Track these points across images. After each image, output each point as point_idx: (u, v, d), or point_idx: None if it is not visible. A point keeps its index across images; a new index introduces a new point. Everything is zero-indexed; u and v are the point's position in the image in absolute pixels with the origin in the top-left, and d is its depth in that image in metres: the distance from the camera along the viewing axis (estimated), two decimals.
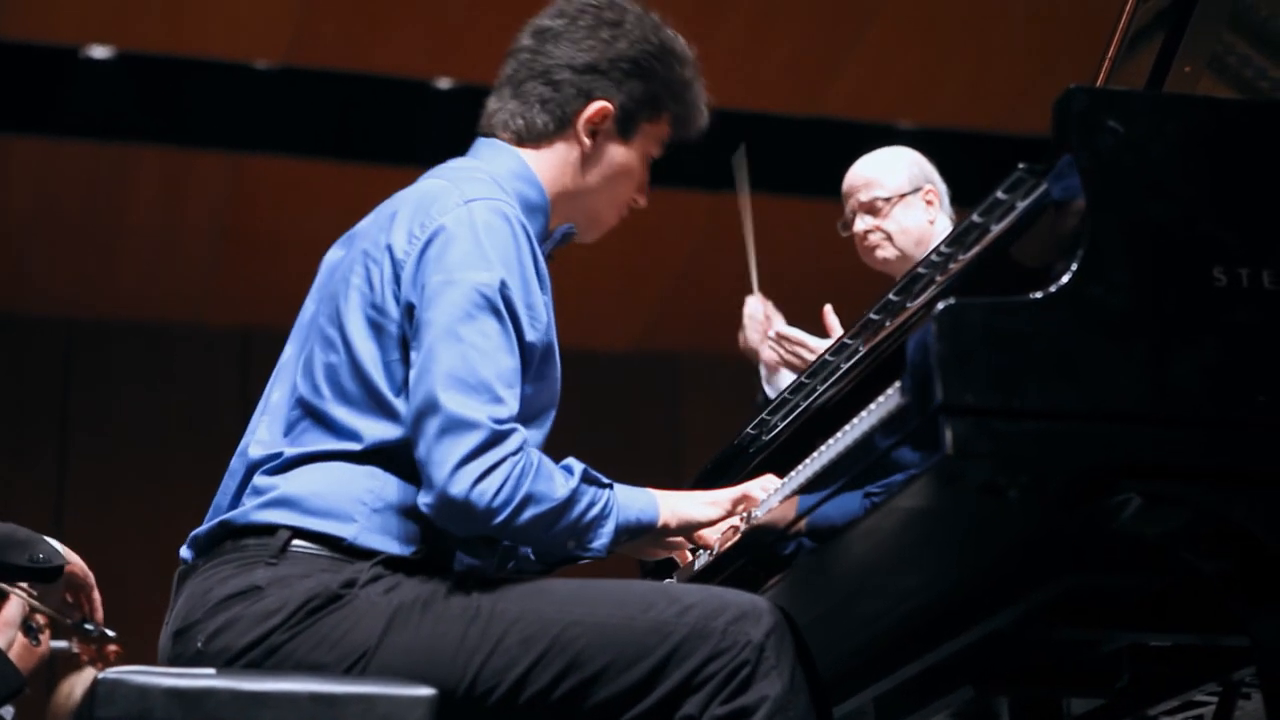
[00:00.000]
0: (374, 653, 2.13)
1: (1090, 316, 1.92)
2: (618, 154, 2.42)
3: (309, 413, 2.27)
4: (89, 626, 2.92)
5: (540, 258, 2.31)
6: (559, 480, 2.20)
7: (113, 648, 3.92)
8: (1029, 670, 2.41)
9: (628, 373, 8.48)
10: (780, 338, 3.75)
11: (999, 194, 2.12)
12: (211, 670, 2.12)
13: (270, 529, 2.19)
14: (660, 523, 2.30)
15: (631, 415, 8.30)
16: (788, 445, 2.64)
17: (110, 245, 7.81)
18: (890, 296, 2.38)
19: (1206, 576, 2.01)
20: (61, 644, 3.99)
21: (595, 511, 2.23)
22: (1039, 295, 1.92)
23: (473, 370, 2.17)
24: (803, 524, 2.16)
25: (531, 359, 2.26)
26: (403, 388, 2.22)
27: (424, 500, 2.17)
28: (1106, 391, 1.90)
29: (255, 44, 7.12)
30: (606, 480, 2.27)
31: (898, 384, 1.98)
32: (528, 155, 2.40)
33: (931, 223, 3.77)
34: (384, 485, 2.22)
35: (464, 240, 2.23)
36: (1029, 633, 2.30)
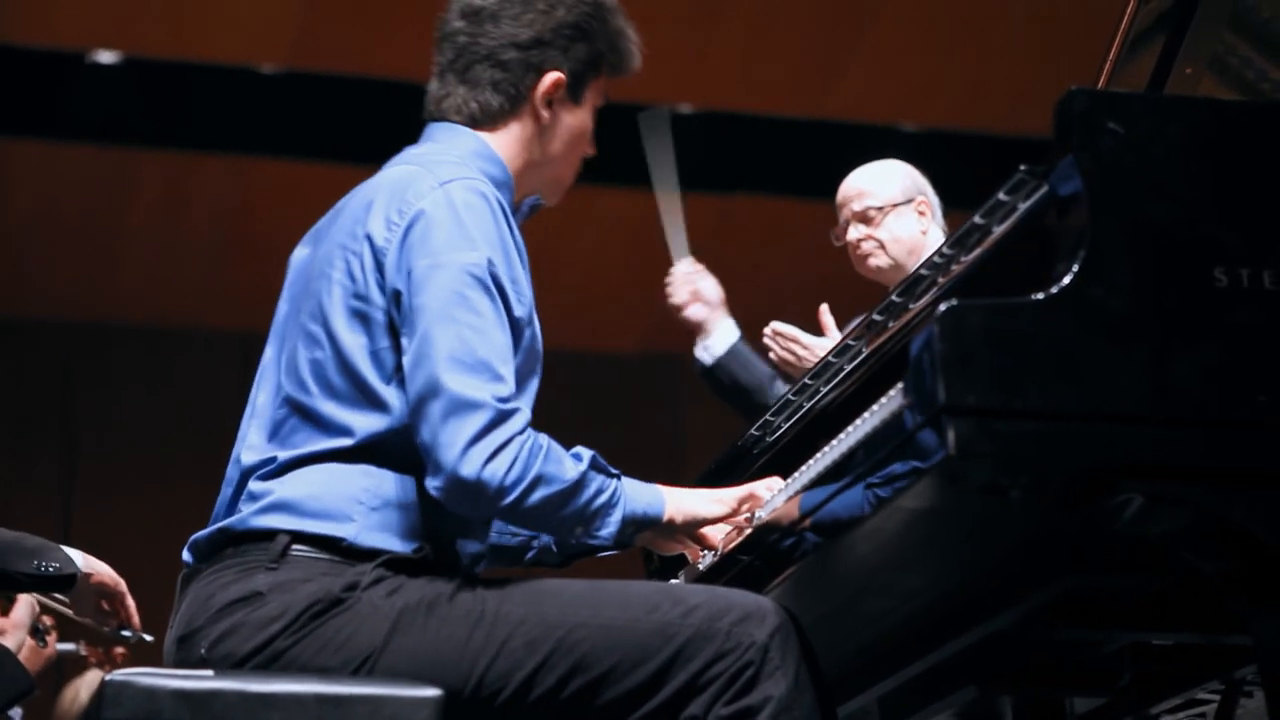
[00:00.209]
0: (379, 656, 2.13)
1: (1091, 317, 1.93)
2: (573, 118, 2.42)
3: (297, 410, 2.26)
4: (127, 633, 2.93)
5: (516, 232, 2.31)
6: (569, 464, 2.20)
7: (120, 650, 3.93)
8: (1032, 670, 2.42)
9: (630, 374, 8.48)
10: (775, 334, 3.79)
11: (1001, 195, 2.12)
12: (218, 672, 2.13)
13: (269, 534, 2.19)
14: (666, 517, 2.31)
15: (634, 416, 8.30)
16: (791, 446, 2.64)
17: (113, 248, 7.82)
18: (893, 298, 2.39)
19: (1208, 576, 2.01)
20: (69, 646, 4.00)
21: (603, 499, 2.23)
22: (1040, 296, 1.92)
23: (471, 350, 2.17)
24: (807, 523, 2.17)
25: (520, 334, 2.26)
26: (393, 376, 2.22)
27: (433, 484, 2.16)
28: (1107, 392, 1.91)
29: (258, 47, 7.12)
30: (615, 470, 2.27)
31: (900, 385, 1.99)
32: (485, 136, 2.40)
33: (924, 233, 3.85)
34: (379, 482, 2.21)
35: (445, 222, 2.23)
36: (1032, 632, 2.31)
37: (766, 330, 3.83)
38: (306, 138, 7.35)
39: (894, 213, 3.85)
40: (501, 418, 2.15)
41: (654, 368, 8.53)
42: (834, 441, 2.21)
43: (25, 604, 3.45)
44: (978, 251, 2.18)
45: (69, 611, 3.08)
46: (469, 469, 2.13)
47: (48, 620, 3.50)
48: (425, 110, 2.46)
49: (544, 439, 2.19)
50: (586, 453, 2.24)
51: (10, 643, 3.34)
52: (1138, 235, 1.97)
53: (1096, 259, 1.94)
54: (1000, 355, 1.89)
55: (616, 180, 7.71)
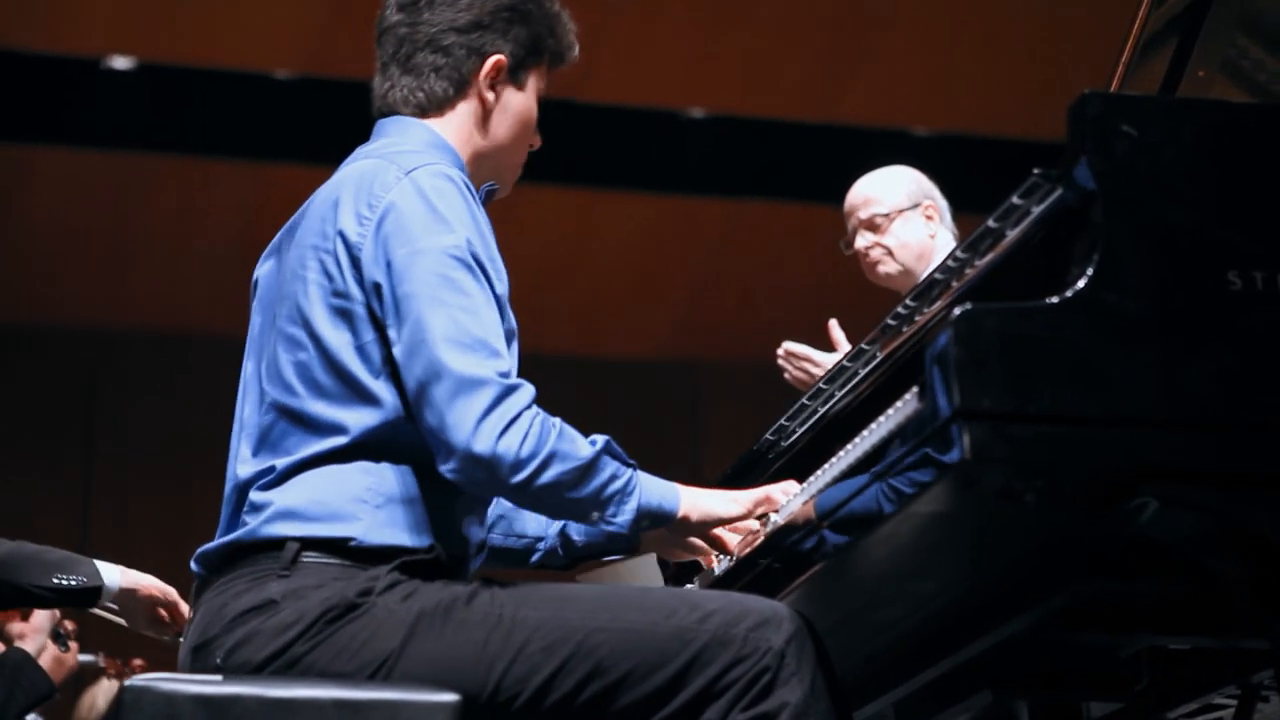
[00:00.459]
0: (396, 661, 2.13)
1: (1106, 321, 1.93)
2: (517, 101, 2.43)
3: (285, 414, 2.25)
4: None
5: (484, 213, 2.32)
6: (582, 444, 2.20)
7: (138, 661, 3.94)
8: (1048, 674, 2.42)
9: (647, 380, 8.49)
10: (789, 354, 3.81)
11: (1014, 199, 2.12)
12: (236, 677, 2.14)
13: (278, 542, 2.19)
14: (681, 513, 2.31)
15: (650, 423, 8.31)
16: (807, 451, 2.65)
17: (130, 254, 7.85)
18: (907, 302, 2.39)
19: (1224, 580, 2.01)
20: (89, 657, 4.01)
21: (618, 485, 2.22)
22: (1054, 300, 1.93)
23: (466, 330, 2.17)
24: (824, 526, 2.17)
25: (504, 312, 2.26)
26: (381, 370, 2.21)
27: (446, 467, 2.16)
28: (1122, 396, 1.91)
29: (275, 54, 7.15)
30: (631, 461, 2.27)
31: (915, 389, 1.99)
32: (434, 124, 2.41)
33: (932, 237, 3.86)
34: (380, 479, 2.21)
35: (418, 210, 2.23)
36: (1047, 637, 2.31)
37: (780, 351, 3.85)
38: (323, 144, 7.36)
39: (901, 219, 3.86)
40: (507, 392, 2.15)
41: (671, 374, 8.54)
42: (849, 446, 2.21)
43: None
44: (991, 256, 2.19)
45: (124, 622, 3.08)
46: (482, 445, 2.13)
47: (69, 625, 3.51)
48: (373, 108, 2.47)
49: (556, 419, 2.19)
50: (601, 438, 2.23)
51: (30, 647, 3.36)
52: (1151, 238, 1.97)
53: (1110, 262, 1.95)
54: (1015, 359, 1.90)
55: (631, 185, 7.75)
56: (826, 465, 2.28)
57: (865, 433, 2.16)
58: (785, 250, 7.77)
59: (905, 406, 2.03)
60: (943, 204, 3.92)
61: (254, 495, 2.23)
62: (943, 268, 2.31)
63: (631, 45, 7.07)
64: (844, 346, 3.80)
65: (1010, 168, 2.47)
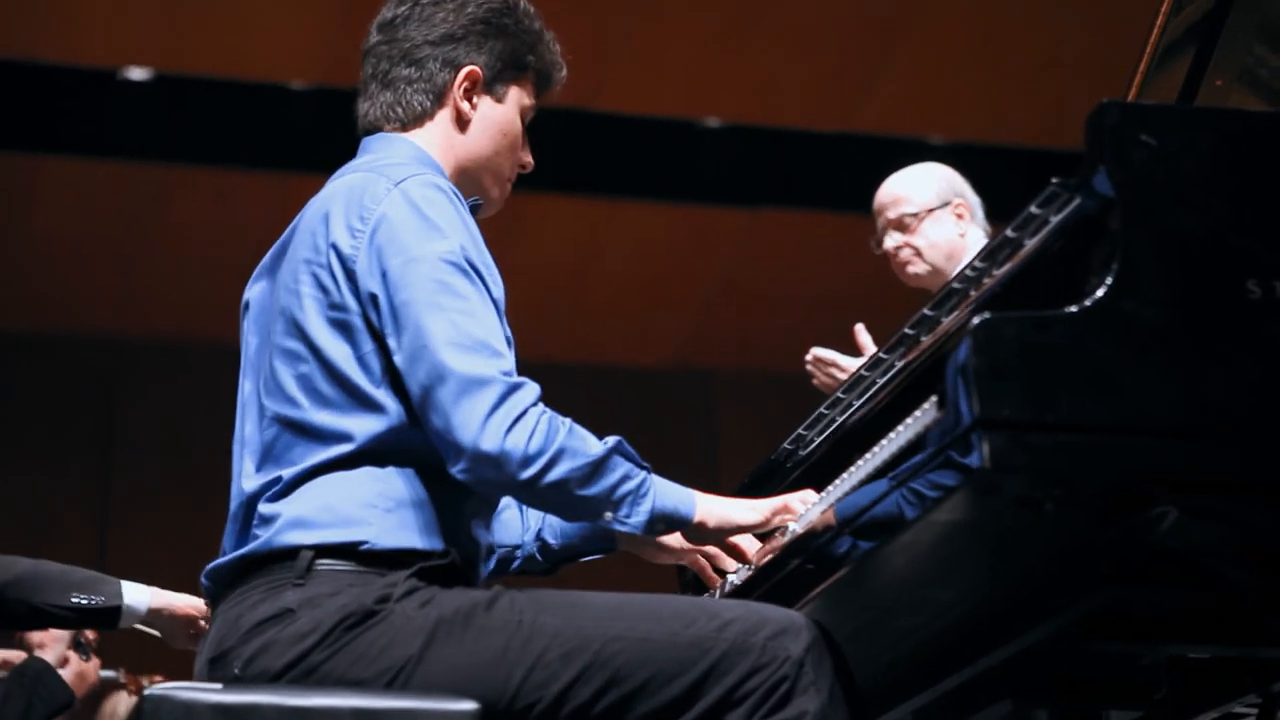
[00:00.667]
0: (414, 668, 2.13)
1: (1124, 330, 1.93)
2: (495, 113, 2.45)
3: (288, 426, 2.25)
4: None
5: (475, 222, 2.33)
6: (592, 442, 2.21)
7: (158, 677, 3.94)
8: (1067, 683, 2.42)
9: (661, 390, 8.49)
10: (816, 360, 3.78)
11: (1033, 209, 2.12)
12: (254, 685, 2.14)
13: (292, 551, 2.19)
14: (698, 519, 2.31)
15: (667, 431, 8.31)
16: (825, 460, 2.65)
17: (148, 265, 7.87)
18: (925, 311, 2.39)
19: (1244, 589, 2.01)
20: (110, 673, 4.02)
21: (631, 485, 2.22)
22: (1073, 309, 1.93)
23: (467, 333, 2.18)
24: (843, 535, 2.17)
25: (501, 315, 2.27)
26: (382, 379, 2.22)
27: (456, 467, 2.17)
28: (1141, 404, 1.91)
29: (293, 64, 7.17)
30: (645, 463, 2.27)
31: (934, 398, 1.99)
32: (415, 137, 2.43)
33: (963, 235, 3.79)
34: (387, 484, 2.21)
35: (410, 219, 2.25)
36: (1067, 645, 2.30)
37: (807, 356, 3.82)
38: (342, 154, 7.38)
39: (930, 218, 3.80)
40: (512, 389, 2.16)
41: (686, 384, 8.55)
42: (868, 455, 2.22)
43: None
44: (1009, 265, 2.19)
45: (162, 637, 3.09)
46: (490, 442, 2.14)
47: (90, 635, 3.52)
48: (358, 127, 2.49)
49: (565, 418, 2.20)
50: (613, 438, 2.24)
51: (50, 656, 3.36)
52: (1170, 247, 1.97)
53: (1129, 271, 1.95)
54: (1034, 368, 1.90)
55: (647, 195, 7.76)
56: (845, 474, 2.28)
57: (884, 441, 2.16)
58: (800, 260, 7.77)
59: (924, 415, 2.03)
60: (974, 201, 3.85)
61: (262, 508, 2.23)
62: (961, 277, 2.31)
63: (647, 55, 7.09)
64: (871, 350, 3.79)
65: (1027, 178, 2.48)
